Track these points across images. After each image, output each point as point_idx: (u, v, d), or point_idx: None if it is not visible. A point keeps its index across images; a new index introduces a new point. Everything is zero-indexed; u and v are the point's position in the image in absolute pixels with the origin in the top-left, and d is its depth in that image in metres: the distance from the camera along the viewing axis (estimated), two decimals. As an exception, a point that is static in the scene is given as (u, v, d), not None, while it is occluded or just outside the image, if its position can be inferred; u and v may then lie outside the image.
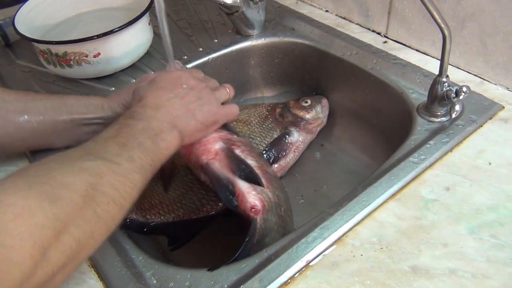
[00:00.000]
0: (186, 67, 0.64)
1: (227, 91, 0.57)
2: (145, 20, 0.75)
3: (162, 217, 0.62)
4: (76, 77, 0.74)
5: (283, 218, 0.55)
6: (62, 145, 0.59)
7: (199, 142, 0.54)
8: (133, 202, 0.42)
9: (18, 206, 0.31)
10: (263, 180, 0.54)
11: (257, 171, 0.54)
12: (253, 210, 0.52)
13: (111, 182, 0.39)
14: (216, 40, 0.81)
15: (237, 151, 0.55)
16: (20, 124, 0.54)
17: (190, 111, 0.50)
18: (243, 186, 0.52)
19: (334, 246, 0.47)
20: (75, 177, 0.37)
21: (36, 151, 0.60)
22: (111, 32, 0.68)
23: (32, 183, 0.34)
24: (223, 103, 0.56)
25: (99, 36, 0.67)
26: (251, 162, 0.55)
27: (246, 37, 0.81)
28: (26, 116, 0.54)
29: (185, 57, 0.77)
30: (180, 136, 0.49)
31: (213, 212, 0.63)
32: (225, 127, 0.58)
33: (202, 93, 0.53)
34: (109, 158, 0.41)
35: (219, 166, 0.53)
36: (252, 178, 0.53)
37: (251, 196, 0.52)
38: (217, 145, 0.54)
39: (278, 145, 0.71)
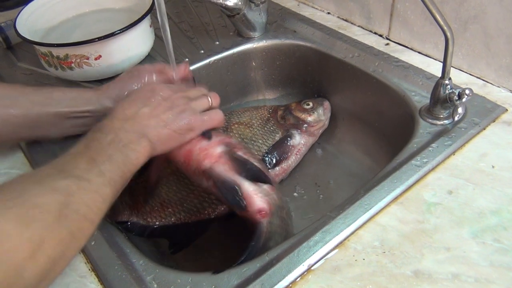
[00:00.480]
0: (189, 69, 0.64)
1: (208, 100, 0.56)
2: (146, 22, 0.75)
3: (163, 220, 0.62)
4: (77, 80, 0.74)
5: (285, 221, 0.55)
6: (53, 136, 0.60)
7: (199, 148, 0.53)
8: (103, 216, 0.43)
9: None
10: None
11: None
12: (261, 213, 0.51)
13: (83, 199, 0.40)
14: (217, 42, 0.81)
15: (239, 153, 0.55)
16: (7, 118, 0.55)
17: (161, 120, 0.50)
18: (249, 188, 0.52)
19: (336, 250, 0.46)
20: (48, 198, 0.38)
21: (31, 145, 0.62)
22: (112, 34, 0.68)
23: (8, 206, 0.35)
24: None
25: (100, 38, 0.67)
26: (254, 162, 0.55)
27: (248, 39, 0.81)
28: (12, 111, 0.55)
29: (187, 59, 0.77)
30: (150, 145, 0.48)
31: (214, 215, 0.63)
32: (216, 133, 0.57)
33: (176, 102, 0.52)
34: (79, 174, 0.41)
35: (223, 169, 0.53)
36: (259, 176, 0.53)
37: (258, 199, 0.52)
38: (219, 149, 0.54)
39: (280, 148, 0.71)
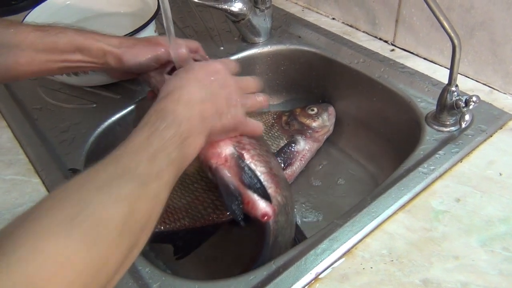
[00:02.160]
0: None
1: (259, 100, 0.54)
2: (151, 28, 0.75)
3: (167, 226, 0.62)
4: (83, 85, 0.73)
5: (290, 214, 0.56)
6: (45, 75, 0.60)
7: (209, 142, 0.52)
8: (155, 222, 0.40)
9: (59, 255, 0.29)
10: (273, 186, 0.54)
11: (267, 177, 0.54)
12: (264, 217, 0.52)
13: (144, 207, 0.38)
14: (222, 48, 0.81)
15: (247, 157, 0.54)
16: (12, 66, 0.53)
17: (217, 113, 0.48)
18: (251, 194, 0.52)
19: (343, 258, 0.46)
20: (113, 210, 0.35)
21: (35, 151, 0.62)
22: None
23: (73, 224, 0.31)
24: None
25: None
26: (260, 168, 0.54)
27: (252, 44, 0.81)
28: (16, 59, 0.53)
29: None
30: (205, 140, 0.47)
31: (219, 221, 0.62)
32: None
33: (233, 94, 0.50)
34: (142, 179, 0.38)
35: (228, 174, 0.53)
36: (261, 194, 0.53)
37: (262, 204, 0.52)
38: (228, 150, 0.53)
39: (284, 154, 0.71)
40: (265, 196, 0.53)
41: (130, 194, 0.36)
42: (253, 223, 0.54)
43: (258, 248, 0.52)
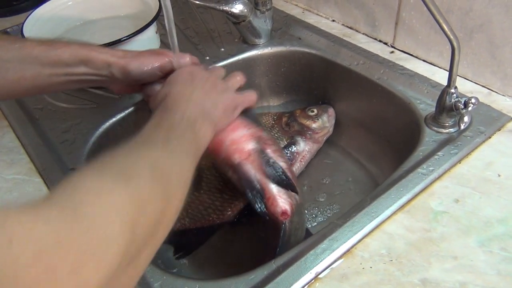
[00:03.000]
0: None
1: (237, 78, 0.58)
2: (152, 29, 0.75)
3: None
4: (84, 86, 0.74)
5: (302, 216, 0.57)
6: (52, 92, 0.62)
7: (231, 140, 0.54)
8: (187, 189, 0.42)
9: (97, 188, 0.32)
10: (293, 181, 0.55)
11: (288, 173, 0.55)
12: (283, 215, 0.53)
13: (169, 167, 0.40)
14: (222, 49, 0.81)
15: (269, 151, 0.55)
16: (18, 80, 0.54)
17: (212, 100, 0.52)
18: (273, 189, 0.53)
19: (343, 258, 0.46)
20: (139, 162, 0.38)
21: (37, 151, 0.62)
22: (119, 41, 0.68)
23: (101, 169, 0.35)
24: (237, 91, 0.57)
25: (106, 45, 0.67)
26: (282, 164, 0.55)
27: (253, 46, 0.81)
28: (22, 74, 0.54)
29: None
30: (213, 124, 0.51)
31: (219, 222, 0.63)
32: (248, 114, 0.58)
33: (216, 82, 0.55)
34: (161, 146, 0.42)
35: (252, 168, 0.53)
36: (286, 185, 0.53)
37: (282, 201, 0.53)
38: (250, 145, 0.54)
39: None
40: (291, 187, 0.53)
41: (154, 155, 0.40)
42: (263, 222, 0.54)
43: (271, 247, 0.53)
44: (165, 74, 0.58)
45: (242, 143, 0.54)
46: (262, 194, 0.53)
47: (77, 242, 0.27)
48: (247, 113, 0.58)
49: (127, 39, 0.69)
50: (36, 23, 0.75)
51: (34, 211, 0.27)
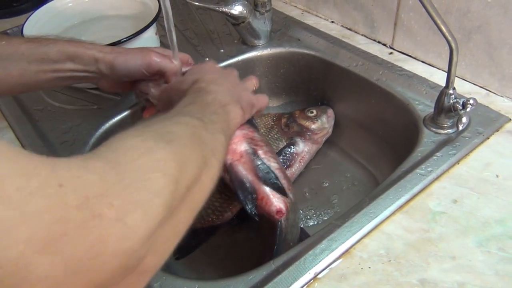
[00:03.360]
0: None
1: (253, 81, 0.60)
2: (152, 30, 0.75)
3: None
4: (84, 87, 0.74)
5: (297, 213, 0.57)
6: (41, 89, 0.63)
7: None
8: (221, 164, 0.43)
9: (139, 147, 0.33)
10: (285, 182, 0.55)
11: (280, 173, 0.55)
12: (278, 214, 0.53)
13: (206, 136, 0.41)
14: (222, 50, 0.82)
15: (260, 152, 0.56)
16: (4, 78, 0.54)
17: (236, 94, 0.53)
18: (266, 188, 0.53)
19: (341, 259, 0.47)
20: (177, 127, 0.39)
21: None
22: (119, 42, 0.68)
23: (143, 131, 0.36)
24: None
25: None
26: (274, 165, 0.56)
27: (252, 47, 0.81)
28: (8, 71, 0.54)
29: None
30: (242, 110, 0.51)
31: (219, 222, 0.63)
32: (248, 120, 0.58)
33: (236, 80, 0.57)
34: (197, 117, 0.43)
35: (243, 169, 0.54)
36: (277, 188, 0.54)
37: (276, 200, 0.53)
38: (242, 147, 0.55)
39: (283, 156, 0.71)
40: (281, 190, 0.54)
41: (190, 121, 0.41)
42: (261, 221, 0.54)
43: (268, 246, 0.53)
44: (151, 73, 0.58)
45: (234, 144, 0.55)
46: (254, 195, 0.53)
47: (123, 192, 0.28)
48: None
49: (126, 40, 0.69)
50: (36, 24, 0.76)
51: (82, 162, 0.28)
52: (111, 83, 0.60)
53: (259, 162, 0.55)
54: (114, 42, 0.68)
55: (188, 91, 0.50)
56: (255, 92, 0.59)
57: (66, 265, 0.24)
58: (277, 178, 0.54)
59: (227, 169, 0.54)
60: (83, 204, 0.25)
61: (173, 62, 0.58)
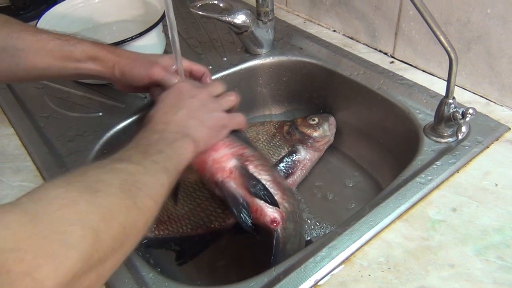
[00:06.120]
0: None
1: (231, 98, 0.59)
2: (158, 29, 0.77)
3: (170, 233, 0.63)
4: (92, 82, 0.76)
5: (299, 223, 0.57)
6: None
7: (213, 160, 0.55)
8: (164, 201, 0.44)
9: (62, 198, 0.33)
10: (279, 193, 0.56)
11: (272, 185, 0.56)
12: (273, 223, 0.54)
13: (142, 180, 0.41)
14: (225, 59, 0.83)
15: (251, 167, 0.56)
16: (30, 70, 0.58)
17: (198, 120, 0.53)
18: (259, 201, 0.54)
19: (342, 266, 0.47)
20: (110, 175, 0.39)
21: (42, 160, 0.63)
22: (123, 41, 0.70)
23: (70, 181, 0.36)
24: (229, 111, 0.58)
25: (113, 44, 0.69)
26: (265, 177, 0.56)
27: (255, 55, 0.82)
28: (34, 64, 0.58)
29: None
30: (194, 143, 0.51)
31: (221, 228, 0.64)
32: (237, 136, 0.59)
33: (206, 101, 0.56)
34: (136, 161, 0.43)
35: (234, 185, 0.54)
36: (268, 199, 0.54)
37: (270, 210, 0.54)
38: (231, 163, 0.55)
39: (285, 163, 0.72)
40: (272, 201, 0.54)
41: (125, 168, 0.41)
42: (260, 232, 0.55)
43: (268, 255, 0.53)
44: (152, 84, 0.60)
45: (223, 162, 0.55)
46: (248, 208, 0.54)
47: (35, 246, 0.29)
48: (236, 133, 0.59)
49: (130, 40, 0.71)
50: (44, 27, 0.77)
51: None
52: (125, 86, 0.63)
53: (248, 176, 0.55)
54: (119, 41, 0.70)
55: (140, 131, 0.51)
56: (237, 108, 0.60)
57: None
58: (267, 189, 0.55)
59: (220, 187, 0.55)
60: None
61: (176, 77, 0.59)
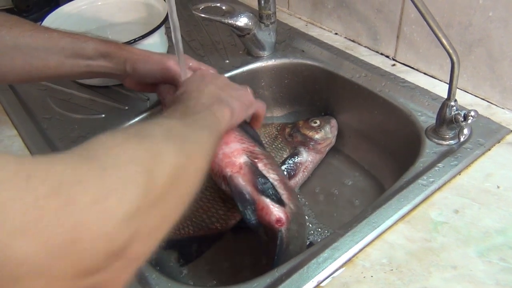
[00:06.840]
0: None
1: (247, 87, 0.60)
2: (161, 31, 0.77)
3: (172, 234, 0.63)
4: (95, 84, 0.77)
5: (302, 226, 0.58)
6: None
7: (223, 154, 0.56)
8: (209, 158, 0.43)
9: (111, 141, 0.34)
10: (285, 193, 0.56)
11: (279, 184, 0.56)
12: (278, 223, 0.54)
13: (186, 133, 0.41)
14: (227, 61, 0.83)
15: (260, 165, 0.57)
16: (42, 68, 0.59)
17: (228, 93, 0.53)
18: (265, 199, 0.54)
19: (344, 267, 0.47)
20: (154, 127, 0.39)
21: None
22: (126, 43, 0.70)
23: (113, 133, 0.35)
24: None
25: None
26: (273, 176, 0.57)
27: (257, 58, 0.83)
28: (47, 62, 0.59)
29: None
30: (230, 110, 0.51)
31: (223, 230, 0.64)
32: (248, 132, 0.59)
33: (229, 82, 0.57)
34: (177, 118, 0.44)
35: (243, 181, 0.55)
36: (274, 198, 0.54)
37: (275, 209, 0.54)
38: (242, 159, 0.56)
39: (287, 165, 0.72)
40: (279, 201, 0.54)
41: (167, 122, 0.42)
42: (264, 231, 0.55)
43: (270, 255, 0.53)
44: (165, 79, 0.61)
45: (234, 156, 0.56)
46: (254, 206, 0.54)
47: (95, 179, 0.28)
48: (246, 128, 0.59)
49: (133, 42, 0.72)
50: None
51: (51, 157, 0.29)
52: (135, 82, 0.64)
53: (258, 174, 0.55)
54: (125, 42, 0.70)
55: (176, 97, 0.52)
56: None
57: (47, 249, 0.25)
58: (275, 189, 0.55)
59: (228, 181, 0.55)
60: (54, 192, 0.25)
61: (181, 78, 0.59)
